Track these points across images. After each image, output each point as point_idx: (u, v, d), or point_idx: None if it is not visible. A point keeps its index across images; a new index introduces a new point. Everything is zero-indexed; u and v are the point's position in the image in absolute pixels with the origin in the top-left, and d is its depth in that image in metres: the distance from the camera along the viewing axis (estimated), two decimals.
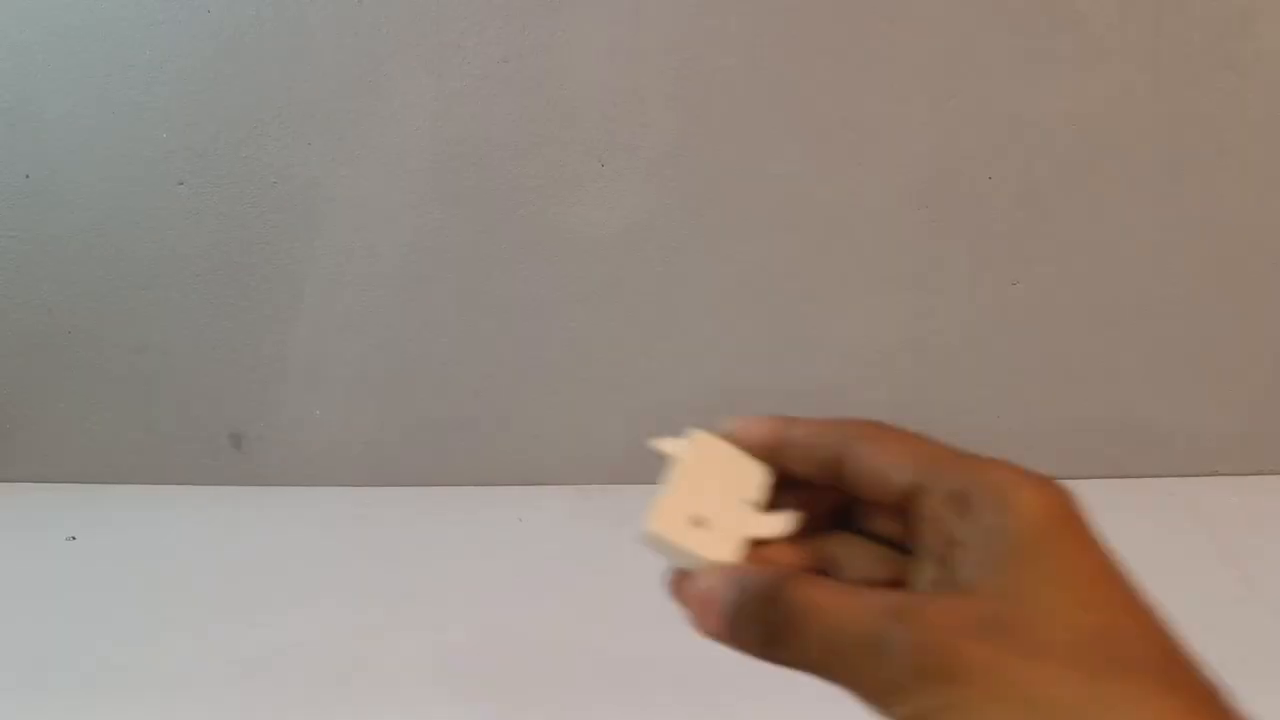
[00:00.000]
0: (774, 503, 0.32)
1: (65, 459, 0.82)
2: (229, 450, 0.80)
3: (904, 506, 0.29)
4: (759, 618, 0.28)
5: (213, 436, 0.80)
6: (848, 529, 0.32)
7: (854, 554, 0.32)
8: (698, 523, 0.31)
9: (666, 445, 0.32)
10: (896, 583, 0.30)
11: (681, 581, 0.30)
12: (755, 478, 0.33)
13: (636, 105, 0.72)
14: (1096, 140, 0.72)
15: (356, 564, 0.73)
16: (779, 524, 0.31)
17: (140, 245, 0.76)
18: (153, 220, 0.75)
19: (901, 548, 0.30)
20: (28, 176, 0.74)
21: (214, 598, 0.70)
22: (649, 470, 0.31)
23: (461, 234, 0.75)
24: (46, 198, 0.75)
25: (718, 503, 0.32)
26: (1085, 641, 0.24)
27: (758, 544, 0.32)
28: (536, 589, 0.71)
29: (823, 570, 0.32)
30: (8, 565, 0.74)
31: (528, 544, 0.75)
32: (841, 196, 0.74)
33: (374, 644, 0.66)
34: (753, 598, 0.29)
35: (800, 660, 0.27)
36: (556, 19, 0.70)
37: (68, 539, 0.76)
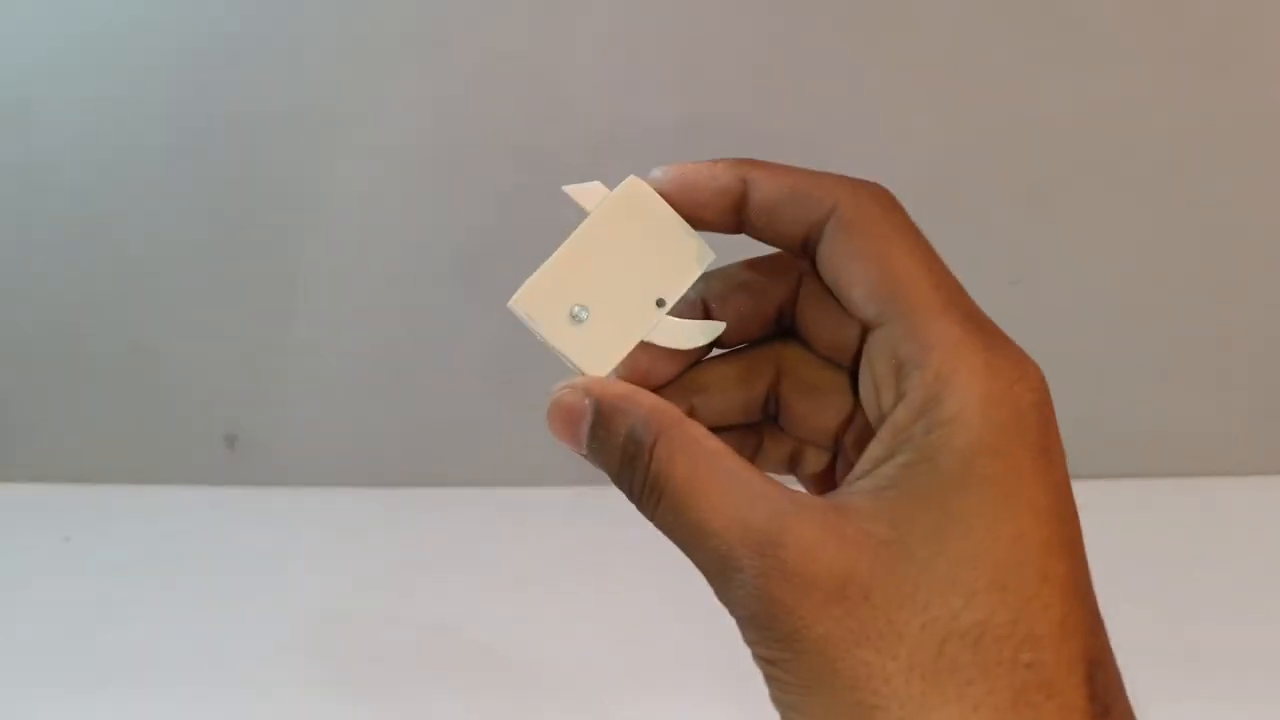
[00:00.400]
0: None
1: (60, 460, 0.81)
2: (224, 451, 0.80)
3: (864, 336, 0.23)
4: (617, 459, 0.23)
5: (208, 437, 0.80)
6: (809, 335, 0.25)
7: (799, 381, 0.25)
8: (583, 308, 0.24)
9: (581, 193, 0.25)
10: (844, 428, 0.24)
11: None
12: (685, 256, 0.25)
13: (634, 104, 0.71)
14: (1096, 140, 0.72)
15: (352, 565, 0.73)
16: (683, 334, 0.24)
17: (133, 245, 0.76)
18: (146, 220, 0.75)
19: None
20: (22, 177, 0.74)
21: (209, 598, 0.70)
22: None
23: (458, 232, 0.75)
24: (41, 197, 0.75)
25: (622, 285, 0.24)
26: (948, 640, 0.19)
27: (661, 354, 0.24)
28: (535, 591, 0.70)
29: (772, 392, 0.25)
30: (2, 566, 0.74)
31: (526, 546, 0.74)
32: None
33: (371, 645, 0.66)
34: (613, 435, 0.23)
35: (658, 526, 0.22)
36: (554, 17, 0.70)
37: (63, 539, 0.76)
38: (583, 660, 0.63)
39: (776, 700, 0.20)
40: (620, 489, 0.23)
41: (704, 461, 0.21)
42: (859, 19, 0.70)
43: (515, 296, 0.24)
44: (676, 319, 0.24)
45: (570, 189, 0.25)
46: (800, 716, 0.20)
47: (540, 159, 0.73)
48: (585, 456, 0.24)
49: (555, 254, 0.25)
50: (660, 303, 0.24)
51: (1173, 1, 0.69)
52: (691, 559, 0.22)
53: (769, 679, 0.20)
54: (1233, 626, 0.61)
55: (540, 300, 0.24)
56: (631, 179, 0.25)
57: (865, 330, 0.23)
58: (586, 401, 0.23)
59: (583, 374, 0.24)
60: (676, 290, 0.24)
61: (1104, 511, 0.72)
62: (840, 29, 0.70)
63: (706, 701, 0.58)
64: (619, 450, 0.23)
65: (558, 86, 0.71)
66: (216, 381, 0.79)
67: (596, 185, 0.25)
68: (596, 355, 0.24)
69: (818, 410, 0.25)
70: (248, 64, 0.71)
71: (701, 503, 0.21)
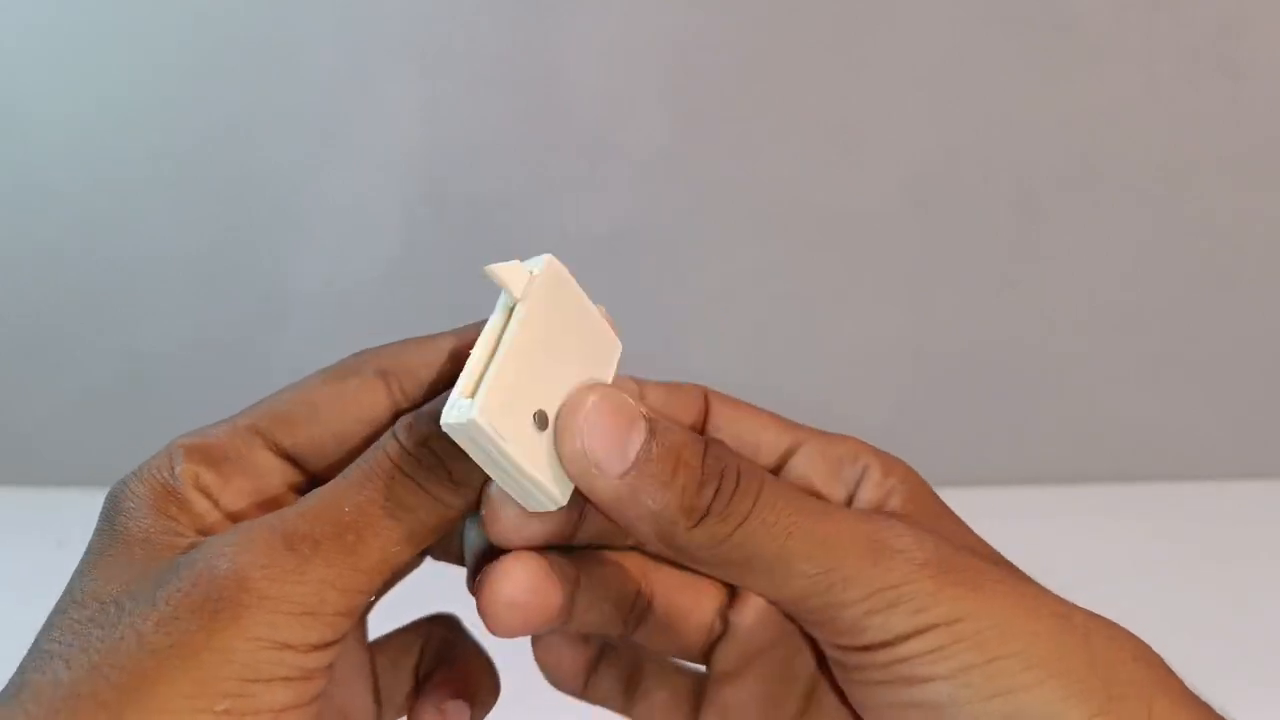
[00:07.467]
0: None
1: (56, 463, 0.81)
2: None
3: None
4: (697, 475, 0.21)
5: None
6: None
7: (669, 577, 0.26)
8: (542, 413, 0.21)
9: (507, 273, 0.22)
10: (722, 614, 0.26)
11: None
12: (601, 347, 0.23)
13: (628, 106, 0.71)
14: (1092, 142, 0.72)
15: None
16: None
17: (129, 249, 0.76)
18: (142, 224, 0.75)
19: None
20: (16, 182, 0.74)
21: None
22: None
23: (452, 235, 0.75)
24: (36, 201, 0.75)
25: (560, 381, 0.21)
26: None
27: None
28: None
29: (644, 589, 0.26)
30: None
31: None
32: (835, 198, 0.74)
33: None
34: (685, 449, 0.21)
35: (745, 533, 0.21)
36: (548, 20, 0.70)
37: (56, 544, 0.75)
38: None
39: (953, 670, 0.20)
40: (673, 509, 0.21)
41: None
42: (854, 23, 0.70)
43: (477, 409, 0.19)
44: None
45: (496, 269, 0.22)
46: (1005, 649, 0.20)
47: (530, 162, 0.73)
48: (616, 476, 0.21)
49: (502, 348, 0.21)
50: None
51: (1168, 7, 0.69)
52: (802, 554, 0.21)
53: (944, 647, 0.21)
54: (1229, 632, 0.61)
55: (505, 411, 0.20)
56: (549, 259, 0.22)
57: (781, 462, 0.25)
58: (642, 410, 0.21)
59: (550, 498, 0.21)
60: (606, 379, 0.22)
61: (1100, 516, 0.72)
62: (835, 33, 0.70)
63: None
64: (698, 459, 0.21)
65: (549, 88, 0.71)
66: (210, 386, 0.79)
67: (516, 264, 0.22)
68: (559, 472, 0.21)
69: (694, 602, 0.26)
70: (236, 65, 0.71)
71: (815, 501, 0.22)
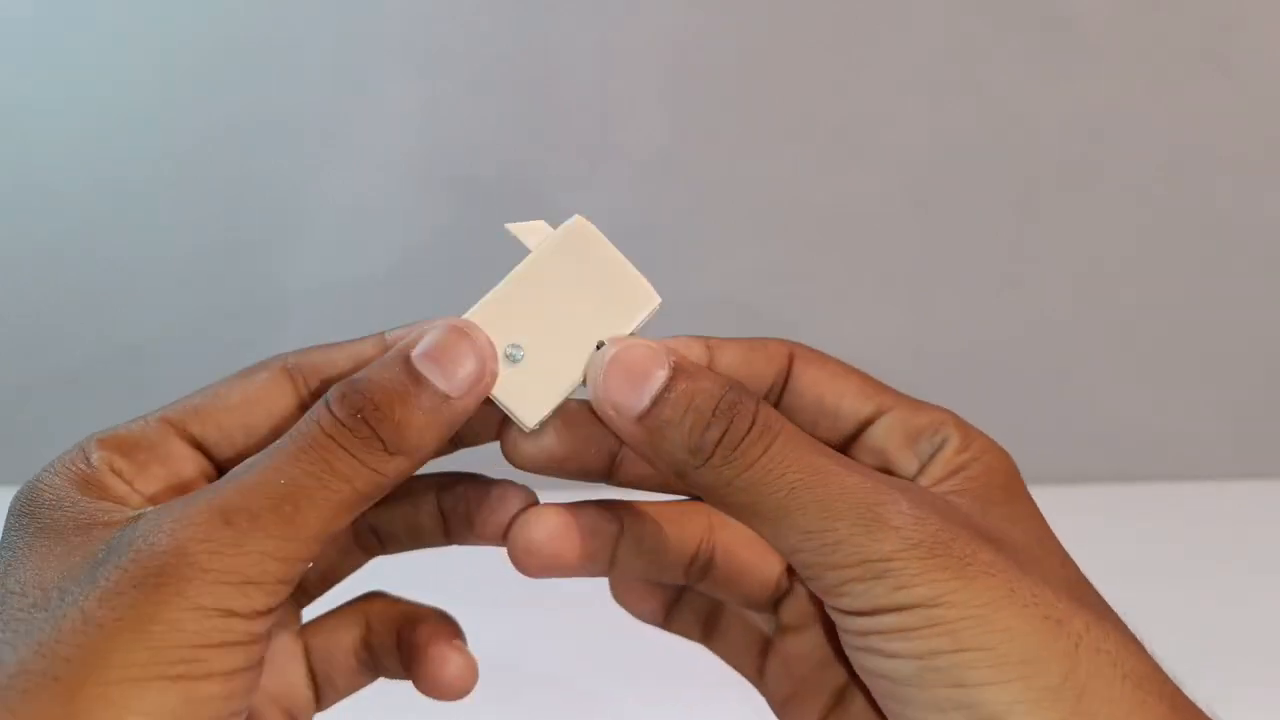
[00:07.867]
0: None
1: None
2: None
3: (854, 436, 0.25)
4: (706, 414, 0.22)
5: None
6: None
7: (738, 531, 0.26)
8: (518, 348, 0.23)
9: (525, 231, 0.24)
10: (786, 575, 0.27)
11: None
12: (630, 299, 0.24)
13: (628, 106, 0.71)
14: (1092, 141, 0.72)
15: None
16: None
17: (129, 249, 0.76)
18: (142, 224, 0.75)
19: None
20: (18, 180, 0.74)
21: None
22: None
23: (451, 237, 0.75)
24: (36, 201, 0.75)
25: (562, 326, 0.23)
26: (1074, 585, 0.24)
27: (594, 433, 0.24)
28: (529, 592, 0.70)
29: (706, 541, 0.27)
30: None
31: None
32: (836, 198, 0.74)
33: None
34: (702, 392, 0.22)
35: (752, 478, 0.21)
36: (548, 20, 0.70)
37: None
38: (574, 664, 0.63)
39: (921, 651, 0.20)
40: (681, 449, 0.22)
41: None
42: (854, 23, 0.70)
43: None
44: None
45: (513, 226, 0.24)
46: (977, 642, 0.20)
47: (530, 162, 0.73)
48: (633, 419, 0.22)
49: (494, 289, 0.24)
50: (600, 346, 0.24)
51: (1166, 5, 0.69)
52: (800, 510, 0.21)
53: (917, 628, 0.20)
54: (1228, 632, 0.61)
55: None
56: (578, 218, 0.25)
57: (860, 429, 0.26)
58: (669, 359, 0.23)
59: (519, 421, 0.23)
60: (619, 333, 0.24)
61: (1099, 516, 0.72)
62: (835, 33, 0.70)
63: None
64: (709, 404, 0.22)
65: (549, 89, 0.71)
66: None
67: (540, 224, 0.24)
68: (530, 399, 0.23)
69: (761, 557, 0.26)
70: (235, 66, 0.71)
71: (825, 449, 0.22)
